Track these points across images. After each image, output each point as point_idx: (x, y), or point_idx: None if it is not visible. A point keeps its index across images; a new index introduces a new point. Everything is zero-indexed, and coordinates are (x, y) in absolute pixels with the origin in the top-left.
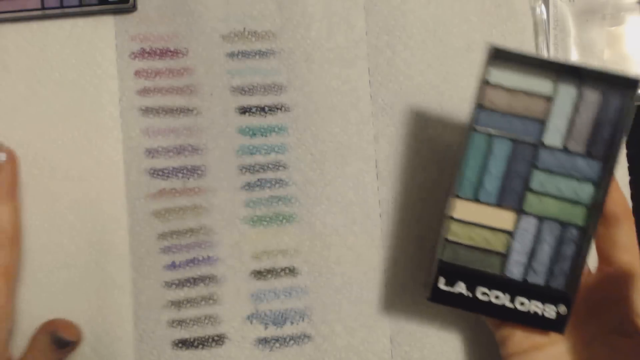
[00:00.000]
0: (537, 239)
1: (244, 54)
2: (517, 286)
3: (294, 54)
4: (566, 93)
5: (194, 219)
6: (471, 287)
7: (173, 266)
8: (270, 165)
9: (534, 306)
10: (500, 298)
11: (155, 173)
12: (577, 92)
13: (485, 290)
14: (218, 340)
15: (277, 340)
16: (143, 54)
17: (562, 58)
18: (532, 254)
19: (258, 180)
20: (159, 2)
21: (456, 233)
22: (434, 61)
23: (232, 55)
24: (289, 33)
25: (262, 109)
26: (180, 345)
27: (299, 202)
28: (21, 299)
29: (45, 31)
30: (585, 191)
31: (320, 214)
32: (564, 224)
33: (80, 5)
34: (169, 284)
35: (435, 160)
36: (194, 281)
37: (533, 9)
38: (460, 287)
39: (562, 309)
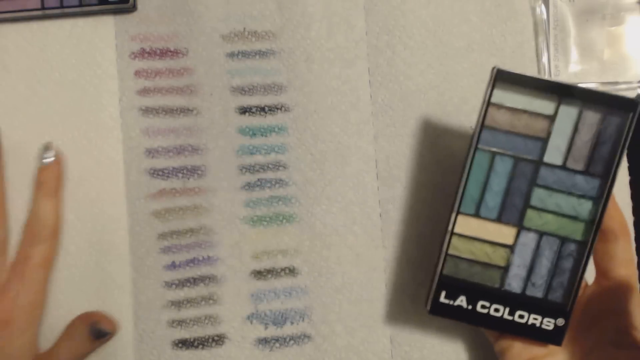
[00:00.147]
0: (537, 253)
1: (244, 54)
2: (516, 299)
3: (294, 54)
4: (567, 113)
5: (194, 219)
6: (471, 301)
7: (173, 266)
8: (270, 165)
9: (533, 319)
10: (500, 311)
11: (155, 173)
12: (578, 112)
13: (485, 303)
14: (218, 340)
15: (277, 340)
16: (143, 54)
17: (563, 80)
18: (531, 268)
19: (258, 180)
20: (159, 2)
21: (457, 247)
22: (434, 61)
23: (232, 55)
24: (289, 33)
25: (262, 109)
26: (180, 345)
27: (299, 202)
28: None
29: (45, 31)
30: (584, 207)
31: (320, 214)
32: (563, 239)
33: (80, 5)
34: (169, 284)
35: (435, 160)
36: (194, 281)
37: (533, 9)
38: (461, 301)
39: (560, 321)
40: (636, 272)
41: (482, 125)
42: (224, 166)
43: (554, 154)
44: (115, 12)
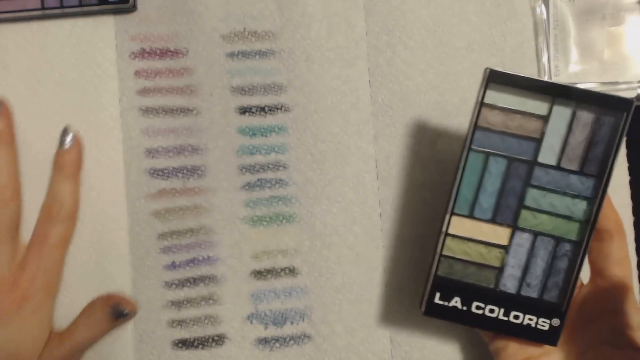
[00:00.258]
0: (531, 253)
1: (244, 54)
2: (511, 300)
3: (294, 54)
4: (560, 113)
5: (194, 219)
6: (466, 301)
7: (173, 266)
8: (270, 165)
9: (528, 319)
10: (495, 311)
11: (155, 173)
12: (571, 112)
13: (480, 304)
14: (218, 340)
15: (277, 340)
16: (143, 54)
17: (556, 80)
18: (526, 268)
19: (258, 180)
20: (159, 2)
21: (451, 248)
22: (434, 61)
23: (232, 55)
24: (289, 33)
25: (262, 109)
26: (180, 345)
27: (299, 202)
28: None
29: (45, 31)
30: (579, 207)
31: (320, 214)
32: (557, 239)
33: (80, 5)
34: (169, 284)
35: (435, 160)
36: (194, 281)
37: (533, 9)
38: (456, 302)
39: (555, 321)
40: (631, 271)
41: (475, 126)
42: (224, 166)
43: (548, 154)
44: (115, 12)
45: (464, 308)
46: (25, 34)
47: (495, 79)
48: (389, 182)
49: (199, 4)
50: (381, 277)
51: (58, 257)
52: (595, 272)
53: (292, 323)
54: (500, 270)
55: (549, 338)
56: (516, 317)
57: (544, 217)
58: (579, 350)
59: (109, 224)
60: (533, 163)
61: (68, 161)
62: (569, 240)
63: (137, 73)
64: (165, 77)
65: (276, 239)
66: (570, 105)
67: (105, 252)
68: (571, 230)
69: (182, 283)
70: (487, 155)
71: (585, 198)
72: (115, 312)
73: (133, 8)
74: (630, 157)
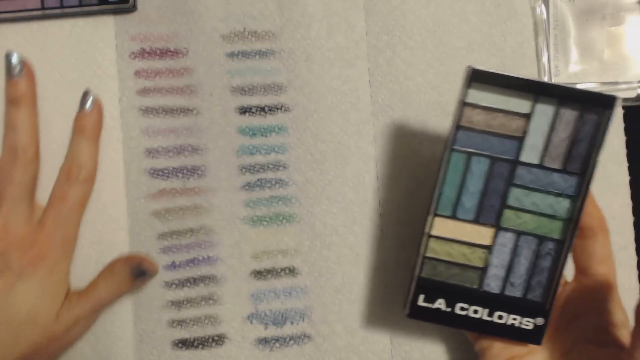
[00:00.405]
0: (515, 253)
1: (244, 54)
2: (495, 300)
3: (294, 54)
4: (543, 112)
5: (194, 219)
6: (450, 303)
7: (173, 266)
8: (270, 165)
9: (512, 319)
10: (479, 312)
11: (155, 173)
12: (554, 110)
13: (464, 305)
14: (218, 340)
15: (277, 340)
16: (143, 54)
17: (538, 78)
18: (509, 268)
19: (258, 180)
20: (159, 2)
21: (434, 250)
22: (434, 61)
23: (232, 55)
24: (289, 33)
25: (262, 109)
26: (180, 345)
27: (299, 202)
28: None
29: (45, 31)
30: (562, 205)
31: (320, 214)
32: (541, 238)
33: (80, 5)
34: (169, 284)
35: (435, 160)
36: (194, 281)
37: (533, 9)
38: (439, 303)
39: (539, 320)
40: (615, 269)
41: (457, 125)
42: (224, 166)
43: (530, 153)
44: (115, 12)
45: (448, 309)
46: (25, 34)
47: (477, 77)
48: (389, 182)
49: (199, 4)
50: (381, 277)
51: (75, 219)
52: (579, 270)
53: (292, 323)
54: (483, 270)
55: (533, 337)
56: (500, 317)
57: (527, 216)
58: (563, 349)
59: (109, 224)
60: (516, 162)
61: (89, 123)
62: (552, 239)
63: (137, 73)
64: (165, 77)
65: (276, 239)
66: (553, 102)
67: (105, 252)
68: (554, 229)
69: (182, 283)
70: (470, 155)
71: (568, 196)
72: (136, 270)
73: (133, 8)
74: (630, 157)
